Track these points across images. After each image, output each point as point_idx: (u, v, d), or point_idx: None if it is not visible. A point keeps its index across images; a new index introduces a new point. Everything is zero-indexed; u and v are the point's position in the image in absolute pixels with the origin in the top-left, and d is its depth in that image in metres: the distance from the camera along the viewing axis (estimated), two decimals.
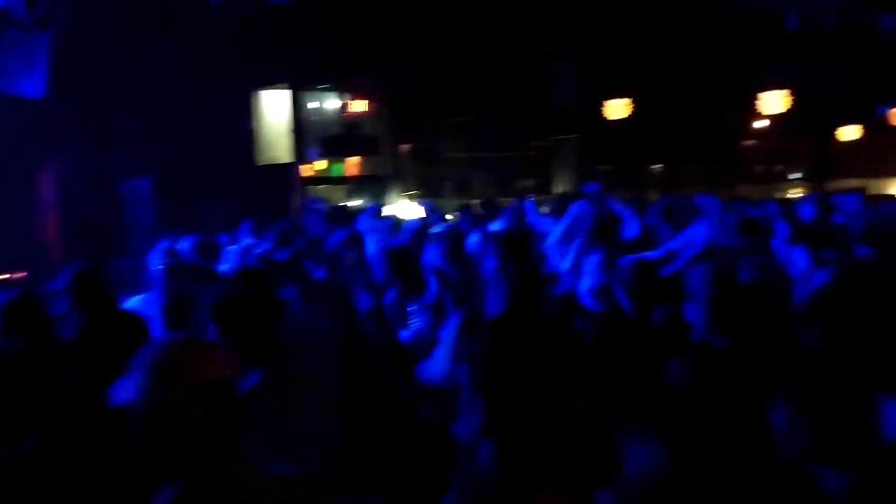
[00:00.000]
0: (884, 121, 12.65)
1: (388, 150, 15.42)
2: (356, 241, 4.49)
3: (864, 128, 14.24)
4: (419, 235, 5.33)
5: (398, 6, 10.15)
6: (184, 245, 5.02)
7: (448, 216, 8.16)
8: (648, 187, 16.79)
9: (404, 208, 13.87)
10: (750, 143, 18.89)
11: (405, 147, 16.33)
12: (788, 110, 11.89)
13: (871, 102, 11.92)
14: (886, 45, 9.25)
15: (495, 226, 5.50)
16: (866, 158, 16.55)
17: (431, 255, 3.93)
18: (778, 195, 18.53)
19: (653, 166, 18.39)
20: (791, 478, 1.76)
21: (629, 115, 13.86)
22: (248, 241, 5.42)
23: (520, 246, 3.72)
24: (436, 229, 5.58)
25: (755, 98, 11.82)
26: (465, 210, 7.60)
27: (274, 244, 4.74)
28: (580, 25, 12.41)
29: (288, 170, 11.53)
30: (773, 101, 10.97)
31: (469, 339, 2.78)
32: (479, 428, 1.34)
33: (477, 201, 9.92)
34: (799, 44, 8.92)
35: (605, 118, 14.04)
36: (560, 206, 7.90)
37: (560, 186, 16.35)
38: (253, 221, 5.92)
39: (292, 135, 12.88)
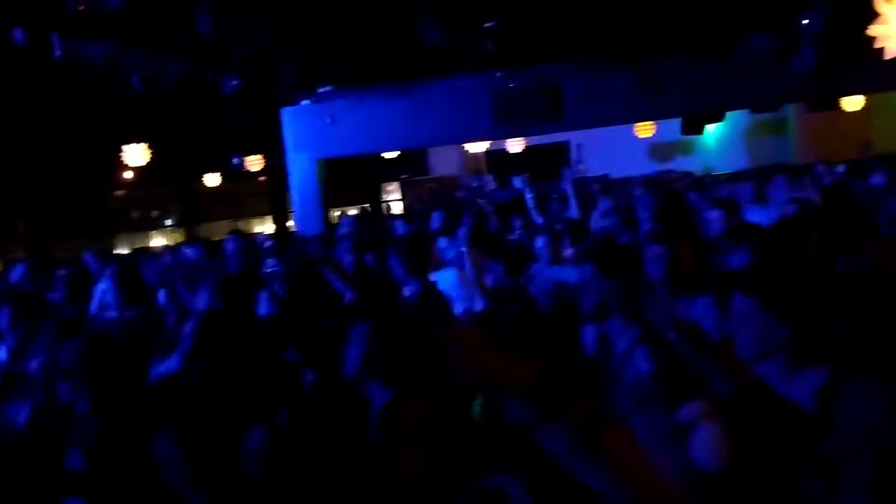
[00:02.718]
0: (240, 168, 13.85)
1: None
2: None
3: (224, 175, 15.44)
4: None
5: None
6: None
7: None
8: (14, 244, 15.53)
9: None
10: (122, 192, 18.88)
11: None
12: (153, 161, 12.09)
13: (227, 152, 12.97)
14: (231, 103, 10.17)
15: None
16: (230, 202, 18.18)
17: None
18: (158, 240, 19.19)
19: (17, 220, 17.03)
20: None
21: None
22: None
23: None
24: None
25: (120, 151, 11.76)
26: None
27: None
28: None
29: None
30: (136, 154, 11.11)
31: None
32: None
33: None
34: (151, 101, 9.20)
35: None
36: None
37: None
38: None
39: None
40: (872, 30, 5.19)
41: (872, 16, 5.35)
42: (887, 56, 5.24)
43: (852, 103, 13.86)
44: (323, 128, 10.96)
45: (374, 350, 3.39)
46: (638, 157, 16.82)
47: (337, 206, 16.14)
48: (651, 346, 2.51)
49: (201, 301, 4.53)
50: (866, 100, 13.95)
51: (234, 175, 14.74)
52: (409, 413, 3.23)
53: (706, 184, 11.91)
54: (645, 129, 14.84)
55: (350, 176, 16.32)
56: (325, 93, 10.42)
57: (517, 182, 7.33)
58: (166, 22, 7.60)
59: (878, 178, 7.67)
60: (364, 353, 3.41)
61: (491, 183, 15.57)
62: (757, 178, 9.62)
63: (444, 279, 5.15)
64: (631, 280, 3.91)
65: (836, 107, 14.12)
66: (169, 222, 20.02)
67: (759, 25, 9.24)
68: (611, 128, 13.25)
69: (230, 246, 7.68)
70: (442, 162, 17.51)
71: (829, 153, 14.13)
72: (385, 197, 17.83)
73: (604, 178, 15.78)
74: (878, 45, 5.20)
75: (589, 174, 17.22)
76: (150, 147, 11.09)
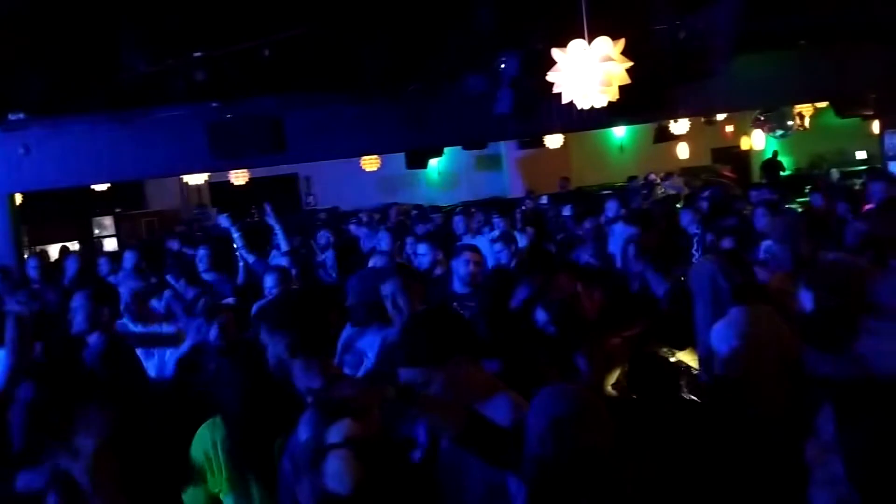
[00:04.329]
0: None
1: None
2: None
3: None
4: None
5: None
6: None
7: None
8: None
9: None
10: None
11: None
12: None
13: None
14: None
15: None
16: None
17: None
18: None
19: None
20: None
21: None
22: None
23: None
24: None
25: None
26: None
27: None
28: None
29: None
30: None
31: None
32: None
33: None
34: None
35: None
36: None
37: None
38: None
39: None
40: (550, 76, 5.69)
41: (552, 63, 5.86)
42: (564, 101, 5.78)
43: (554, 141, 15.25)
44: (15, 159, 9.93)
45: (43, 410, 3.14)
46: (366, 190, 17.18)
47: (43, 242, 14.71)
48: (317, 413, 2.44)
49: None
50: (565, 138, 15.43)
51: None
52: (103, 467, 2.97)
53: (428, 216, 12.45)
54: (371, 163, 15.19)
55: (58, 210, 14.97)
56: (17, 120, 9.42)
57: (223, 220, 7.12)
58: None
59: (567, 210, 8.57)
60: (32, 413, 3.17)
61: (215, 216, 15.05)
62: (469, 211, 10.24)
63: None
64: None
65: (542, 144, 15.44)
66: None
67: (470, 68, 9.83)
68: (339, 161, 13.40)
69: None
70: (160, 195, 16.63)
71: (537, 186, 15.43)
72: (99, 232, 16.53)
73: (332, 210, 15.93)
74: (556, 90, 5.72)
75: (319, 206, 17.30)
76: None
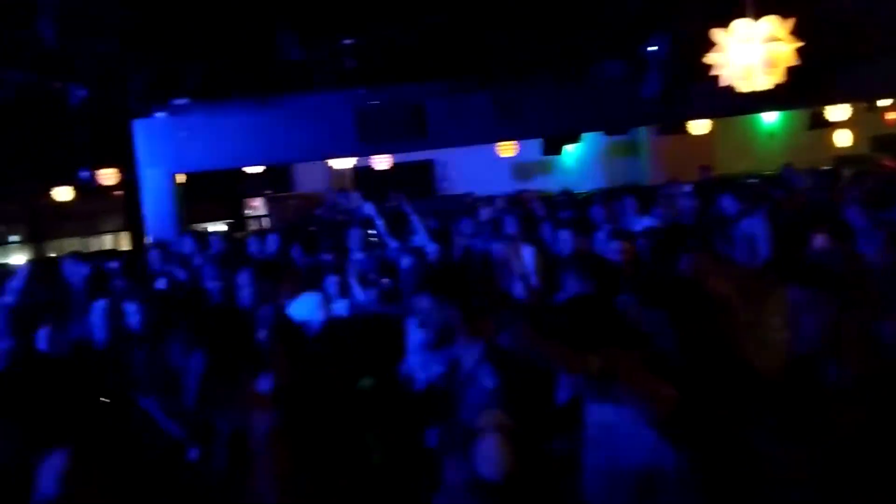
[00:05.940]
0: (91, 182, 13.12)
1: None
2: None
3: (75, 189, 14.59)
4: None
5: None
6: None
7: None
8: None
9: None
10: None
11: None
12: None
13: (76, 166, 12.19)
14: (79, 112, 9.59)
15: None
16: (82, 218, 17.20)
17: None
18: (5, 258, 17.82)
19: None
20: None
21: None
22: None
23: None
24: None
25: None
26: None
27: None
28: None
29: None
30: None
31: None
32: None
33: None
34: None
35: None
36: None
37: None
38: None
39: None
40: (709, 58, 5.50)
41: (711, 44, 5.65)
42: (722, 83, 5.56)
43: (699, 127, 14.71)
44: (179, 141, 10.58)
45: (213, 379, 3.35)
46: (500, 176, 17.15)
47: (197, 221, 15.58)
48: (496, 361, 2.53)
49: None
50: (712, 124, 14.85)
51: (89, 190, 13.95)
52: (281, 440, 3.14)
53: (562, 202, 12.29)
54: (507, 149, 15.17)
55: (212, 190, 15.82)
56: (181, 105, 10.04)
57: (367, 208, 7.28)
58: (3, 27, 7.11)
59: (727, 201, 7.88)
60: (203, 382, 3.38)
61: (359, 200, 15.46)
62: (608, 198, 10.01)
63: (304, 304, 5.05)
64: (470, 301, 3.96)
65: (684, 130, 14.93)
66: (15, 238, 18.68)
67: (611, 53, 9.65)
68: (474, 147, 13.48)
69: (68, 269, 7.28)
70: (308, 178, 17.27)
71: (678, 174, 14.92)
72: (250, 212, 17.38)
73: (468, 196, 16.02)
74: (713, 72, 5.52)
75: (453, 192, 17.46)
76: None
